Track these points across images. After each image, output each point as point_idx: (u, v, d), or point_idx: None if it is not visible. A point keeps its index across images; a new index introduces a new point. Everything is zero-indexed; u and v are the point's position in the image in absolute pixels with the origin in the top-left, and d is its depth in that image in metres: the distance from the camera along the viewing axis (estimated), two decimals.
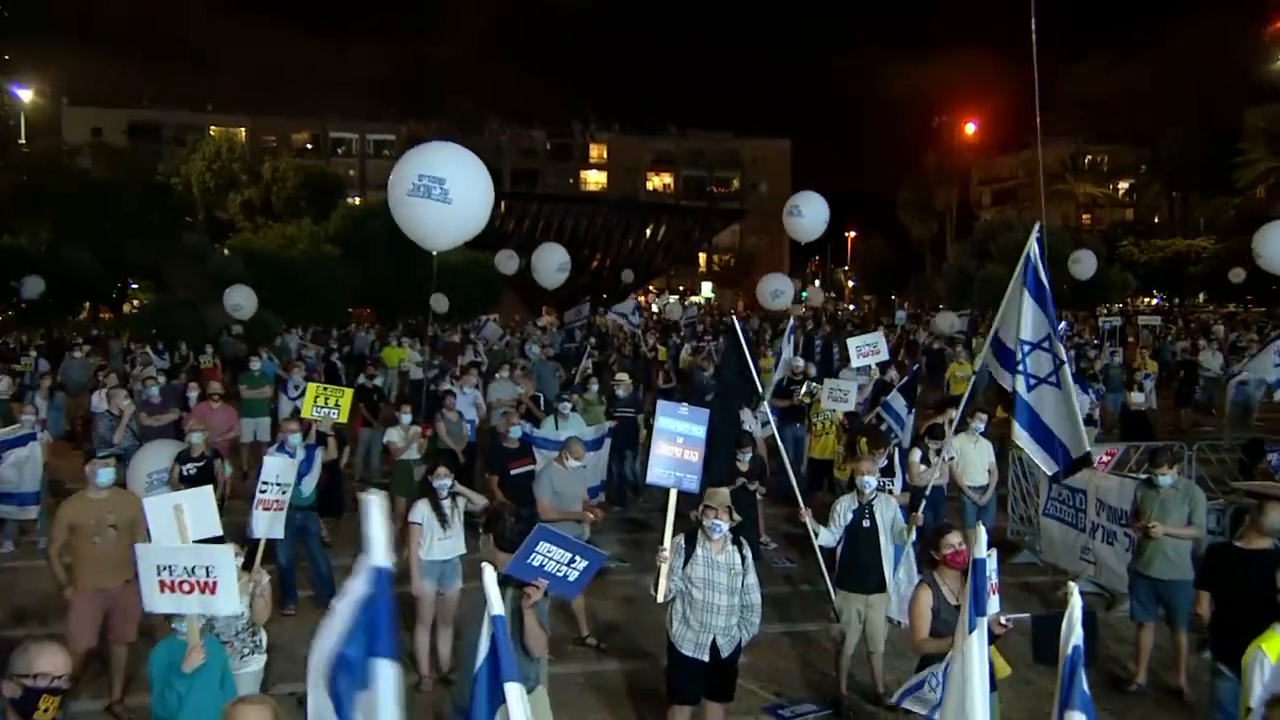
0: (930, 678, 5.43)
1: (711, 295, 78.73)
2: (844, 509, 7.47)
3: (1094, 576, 9.45)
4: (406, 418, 11.16)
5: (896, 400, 12.90)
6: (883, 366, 15.14)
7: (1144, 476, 8.44)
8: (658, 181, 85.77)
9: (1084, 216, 73.69)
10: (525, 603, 4.86)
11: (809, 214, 15.98)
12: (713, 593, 6.05)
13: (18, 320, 31.24)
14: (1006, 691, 6.21)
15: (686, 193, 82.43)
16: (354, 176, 73.85)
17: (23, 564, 10.64)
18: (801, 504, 8.16)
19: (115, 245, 31.58)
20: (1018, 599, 9.22)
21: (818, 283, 64.79)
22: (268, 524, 6.79)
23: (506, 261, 27.82)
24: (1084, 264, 28.53)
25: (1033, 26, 9.14)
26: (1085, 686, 3.35)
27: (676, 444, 6.21)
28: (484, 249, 30.38)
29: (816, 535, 7.62)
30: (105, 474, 7.07)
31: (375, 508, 3.48)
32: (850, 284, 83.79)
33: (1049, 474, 7.76)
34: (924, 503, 8.40)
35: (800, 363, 14.56)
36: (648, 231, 59.88)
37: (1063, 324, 27.92)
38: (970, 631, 3.29)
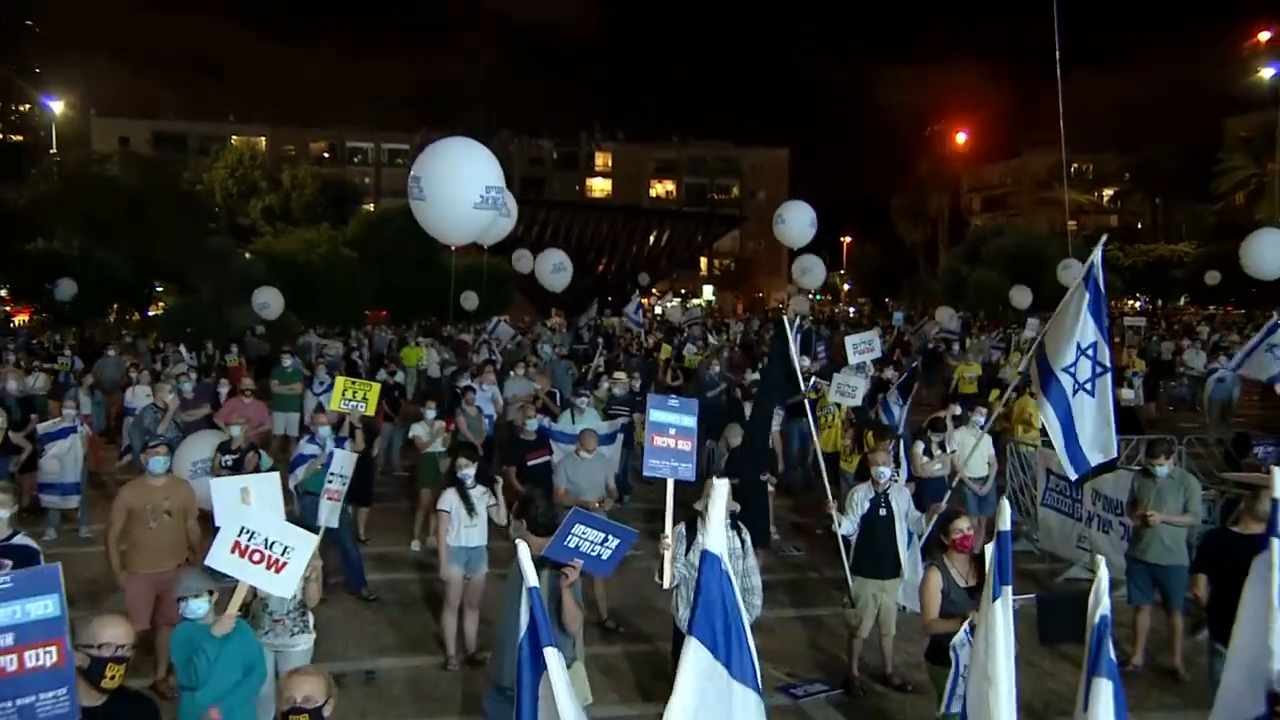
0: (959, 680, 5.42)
1: (712, 298, 78.78)
2: (860, 498, 7.49)
3: (1089, 564, 9.48)
4: (431, 413, 11.20)
5: (894, 395, 12.97)
6: (879, 364, 15.19)
7: (1138, 467, 8.48)
8: (660, 189, 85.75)
9: (1071, 223, 73.64)
10: (563, 583, 4.94)
11: (790, 221, 16.46)
12: None
13: (52, 321, 31.34)
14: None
15: (688, 199, 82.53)
16: (369, 184, 74.02)
17: (65, 551, 10.66)
18: (829, 495, 8.11)
19: (143, 249, 31.68)
20: (1017, 585, 9.22)
21: (805, 283, 64.68)
22: (328, 513, 6.83)
23: (520, 261, 27.92)
24: (1073, 271, 28.53)
25: (1056, 45, 9.13)
26: (1112, 654, 3.38)
27: (669, 435, 6.18)
28: (495, 253, 30.45)
29: (839, 525, 7.60)
30: (158, 462, 7.15)
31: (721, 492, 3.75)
32: (846, 287, 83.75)
33: (1072, 478, 7.71)
34: (949, 493, 8.43)
35: (805, 361, 14.59)
36: (651, 237, 59.90)
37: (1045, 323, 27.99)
38: (995, 600, 3.32)
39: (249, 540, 4.72)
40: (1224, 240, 34.37)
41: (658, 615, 8.98)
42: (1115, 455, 7.36)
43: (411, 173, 9.19)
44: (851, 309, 63.73)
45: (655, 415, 6.22)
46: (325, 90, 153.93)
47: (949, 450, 9.95)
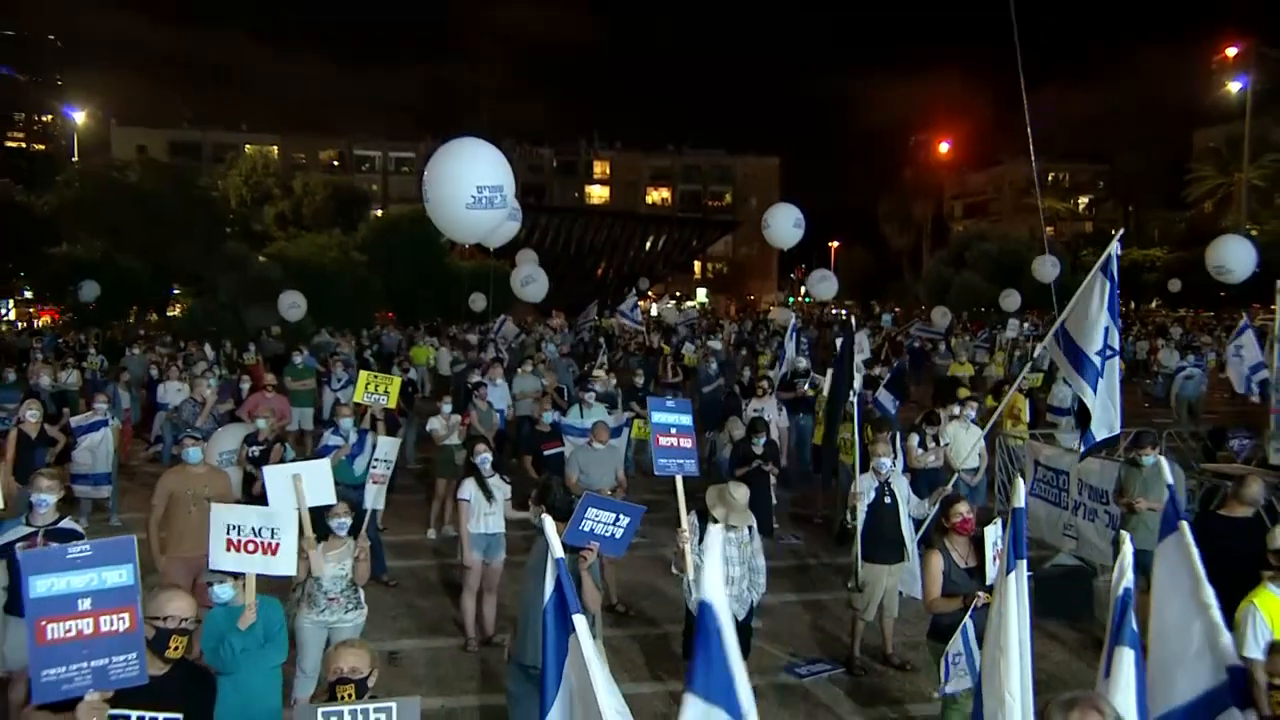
0: (951, 658, 5.48)
1: (706, 300, 78.80)
2: (865, 489, 7.51)
3: (1076, 550, 9.54)
4: (447, 408, 11.24)
5: (883, 394, 13.03)
6: (868, 363, 15.27)
7: (1121, 459, 8.55)
8: (656, 196, 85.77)
9: (1047, 229, 73.80)
10: (582, 565, 5.01)
11: (774, 224, 16.63)
12: (727, 565, 6.14)
13: (76, 321, 31.35)
14: None
15: (683, 206, 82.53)
16: (377, 191, 73.91)
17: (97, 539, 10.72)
18: (857, 487, 8.10)
19: (162, 252, 31.71)
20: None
21: (803, 290, 64.90)
22: (374, 496, 6.85)
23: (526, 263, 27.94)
24: (1047, 269, 28.78)
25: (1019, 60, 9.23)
26: (1134, 626, 3.43)
27: (671, 435, 6.21)
28: (498, 257, 30.51)
29: (858, 517, 7.60)
30: (194, 452, 7.26)
31: (716, 543, 3.55)
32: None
33: (1079, 450, 7.91)
34: (955, 476, 8.50)
35: (803, 361, 14.68)
36: (648, 242, 59.92)
37: (1027, 324, 28.16)
38: (1009, 573, 3.38)
39: (238, 535, 4.81)
40: (1193, 246, 34.51)
41: (663, 599, 9.07)
42: (1119, 431, 7.43)
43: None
44: (844, 311, 63.80)
45: (656, 417, 6.25)
46: (334, 101, 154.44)
47: (942, 443, 10.02)
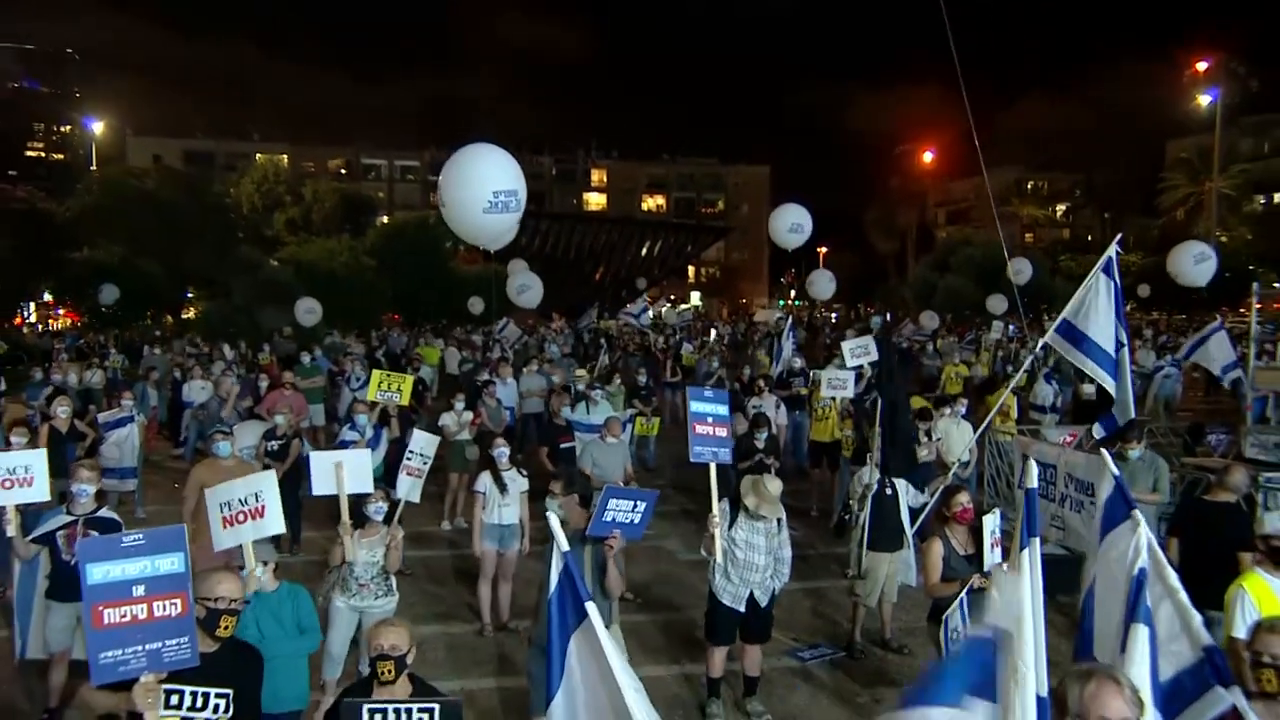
0: (951, 630, 5.53)
1: (699, 303, 78.84)
2: (867, 481, 7.56)
3: (1062, 540, 9.59)
4: (460, 404, 11.26)
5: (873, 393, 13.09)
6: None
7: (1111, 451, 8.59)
8: (652, 202, 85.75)
9: (1027, 235, 74.04)
10: (609, 553, 5.07)
11: (772, 229, 16.93)
12: (753, 553, 6.15)
13: (96, 323, 31.32)
14: None
15: (677, 212, 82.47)
16: (383, 198, 73.76)
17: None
18: (860, 479, 8.12)
19: (178, 257, 31.68)
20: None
21: (793, 294, 65.25)
22: (408, 488, 6.90)
23: (516, 270, 27.99)
24: (1021, 272, 29.11)
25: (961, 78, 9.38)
26: (1149, 603, 3.48)
27: (708, 424, 6.22)
28: (499, 262, 30.54)
29: (864, 510, 7.61)
30: (224, 446, 7.29)
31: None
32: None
33: (1097, 436, 8.19)
34: (954, 469, 8.70)
35: (799, 361, 14.74)
36: (644, 247, 59.91)
37: (1012, 327, 28.28)
38: (1023, 549, 3.42)
39: (229, 510, 4.78)
40: (1166, 253, 34.69)
41: (673, 585, 9.11)
42: (1133, 415, 7.73)
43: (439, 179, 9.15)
44: (834, 314, 63.92)
45: (695, 406, 6.26)
46: (342, 111, 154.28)
47: (935, 438, 10.06)
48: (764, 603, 6.20)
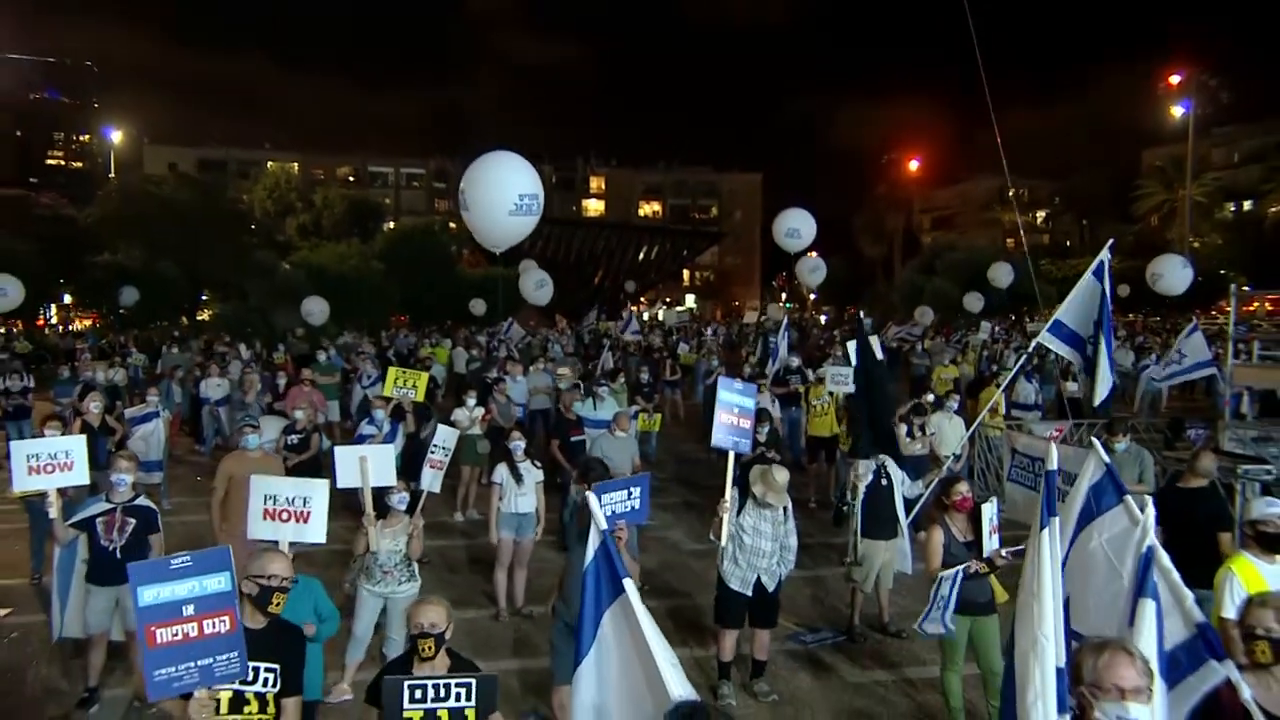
0: (938, 600, 5.58)
1: (694, 306, 78.88)
2: (864, 472, 7.61)
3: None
4: (472, 401, 11.28)
5: None
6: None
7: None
8: (648, 209, 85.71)
9: (1009, 240, 74.15)
10: (619, 544, 5.07)
11: (775, 233, 17.03)
12: (760, 539, 6.20)
13: (116, 325, 31.32)
14: (1004, 614, 6.39)
15: (673, 218, 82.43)
16: (390, 204, 73.67)
17: None
18: (857, 470, 8.15)
19: (194, 261, 31.67)
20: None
21: (784, 296, 65.28)
22: (430, 479, 6.90)
23: (527, 272, 28.00)
24: (1002, 274, 29.43)
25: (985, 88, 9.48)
26: (1156, 579, 3.53)
27: (734, 413, 6.25)
28: (505, 265, 30.55)
29: (853, 496, 7.65)
30: (252, 439, 7.31)
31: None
32: (812, 297, 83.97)
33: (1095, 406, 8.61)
34: (948, 461, 8.83)
35: (795, 360, 14.79)
36: (641, 252, 59.90)
37: (998, 328, 28.35)
38: (1043, 529, 3.48)
39: (274, 504, 4.79)
40: (1142, 257, 34.83)
41: (679, 573, 9.15)
42: (1113, 384, 8.31)
43: (460, 185, 9.17)
44: (825, 316, 64.03)
45: (724, 395, 6.29)
46: (350, 121, 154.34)
47: (929, 433, 10.12)
48: (771, 587, 6.24)
